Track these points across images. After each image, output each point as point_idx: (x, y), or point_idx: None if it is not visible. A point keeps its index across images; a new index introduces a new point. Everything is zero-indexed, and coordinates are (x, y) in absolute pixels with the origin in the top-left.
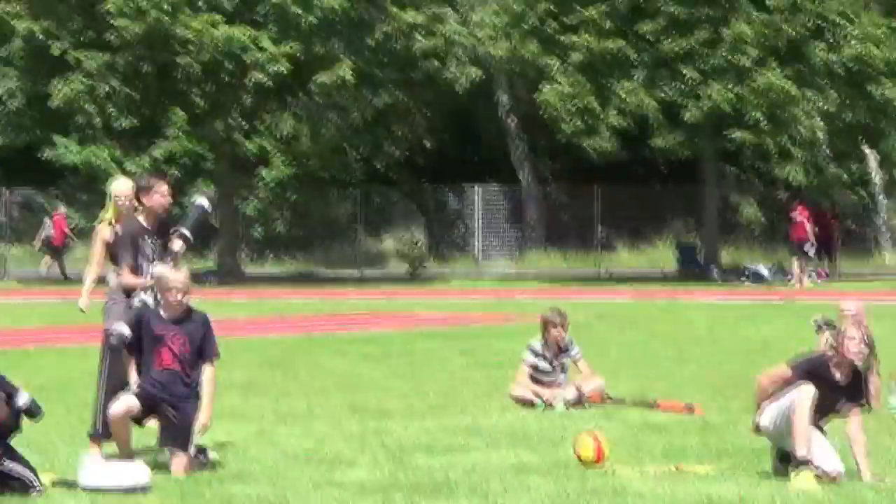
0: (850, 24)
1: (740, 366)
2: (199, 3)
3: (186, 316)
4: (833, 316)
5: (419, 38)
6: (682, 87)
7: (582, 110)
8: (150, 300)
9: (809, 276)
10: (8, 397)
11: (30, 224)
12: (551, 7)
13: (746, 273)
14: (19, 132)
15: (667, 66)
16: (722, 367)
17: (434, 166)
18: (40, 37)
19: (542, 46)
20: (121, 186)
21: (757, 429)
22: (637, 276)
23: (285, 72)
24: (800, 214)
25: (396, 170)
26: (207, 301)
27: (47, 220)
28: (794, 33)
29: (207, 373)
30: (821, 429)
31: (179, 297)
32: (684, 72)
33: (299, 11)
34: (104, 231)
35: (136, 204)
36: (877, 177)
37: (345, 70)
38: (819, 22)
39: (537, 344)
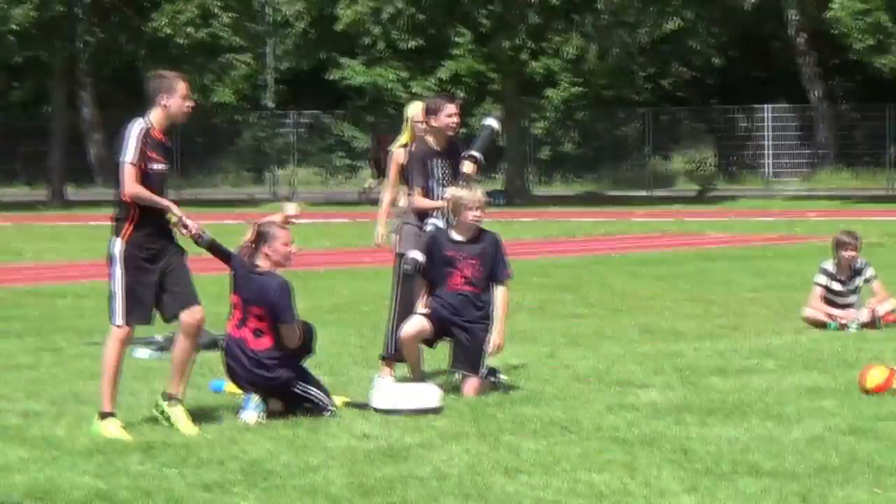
0: None
1: None
2: None
3: (478, 237)
4: None
5: None
6: None
7: (874, 26)
8: (441, 223)
9: None
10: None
11: (317, 146)
12: None
13: None
14: (306, 54)
15: None
16: None
17: (722, 85)
18: None
19: None
20: (418, 110)
21: None
22: None
23: None
24: None
25: (685, 89)
26: (496, 222)
27: (373, 141)
28: None
29: (500, 294)
30: None
31: (481, 215)
32: None
33: None
34: (399, 154)
35: (426, 126)
36: None
37: None
38: None
39: (830, 265)
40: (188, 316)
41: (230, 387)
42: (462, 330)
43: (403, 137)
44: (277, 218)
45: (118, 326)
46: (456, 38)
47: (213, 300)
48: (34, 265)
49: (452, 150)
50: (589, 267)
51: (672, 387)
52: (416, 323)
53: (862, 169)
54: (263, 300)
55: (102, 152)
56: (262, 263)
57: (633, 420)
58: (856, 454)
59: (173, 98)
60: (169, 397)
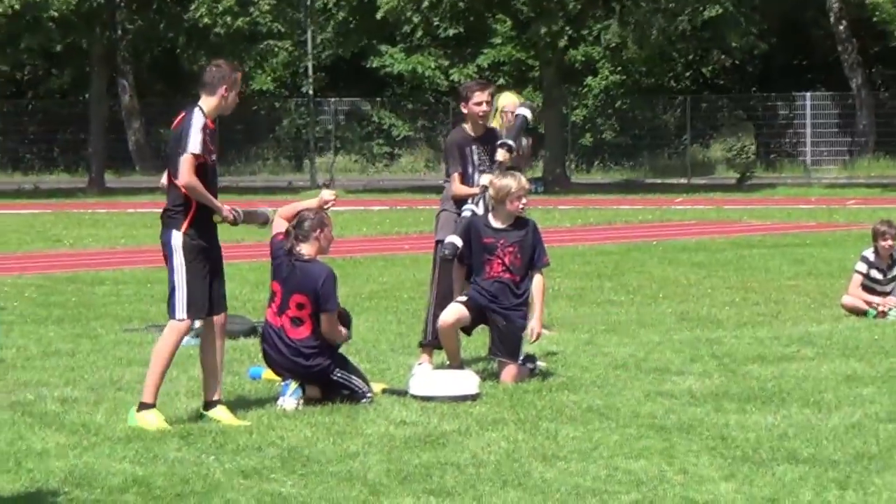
0: None
1: None
2: None
3: (517, 224)
4: None
5: None
6: None
7: None
8: (478, 209)
9: None
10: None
11: (356, 133)
12: None
13: None
14: (346, 42)
15: None
16: None
17: (763, 73)
18: None
19: None
20: (508, 100)
21: None
22: None
23: None
24: None
25: (724, 76)
26: (534, 209)
27: None
28: None
29: (537, 281)
30: None
31: (522, 203)
32: None
33: None
34: None
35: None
36: None
37: None
38: None
39: (870, 254)
40: (221, 318)
41: (268, 374)
42: (500, 317)
43: (492, 125)
44: (314, 203)
45: (180, 320)
46: (495, 26)
47: (251, 287)
48: (73, 252)
49: (489, 137)
50: (628, 254)
51: (710, 374)
52: (455, 310)
53: None
54: (308, 288)
55: (142, 140)
56: (307, 250)
57: (671, 407)
58: (895, 441)
59: (233, 90)
60: (209, 406)
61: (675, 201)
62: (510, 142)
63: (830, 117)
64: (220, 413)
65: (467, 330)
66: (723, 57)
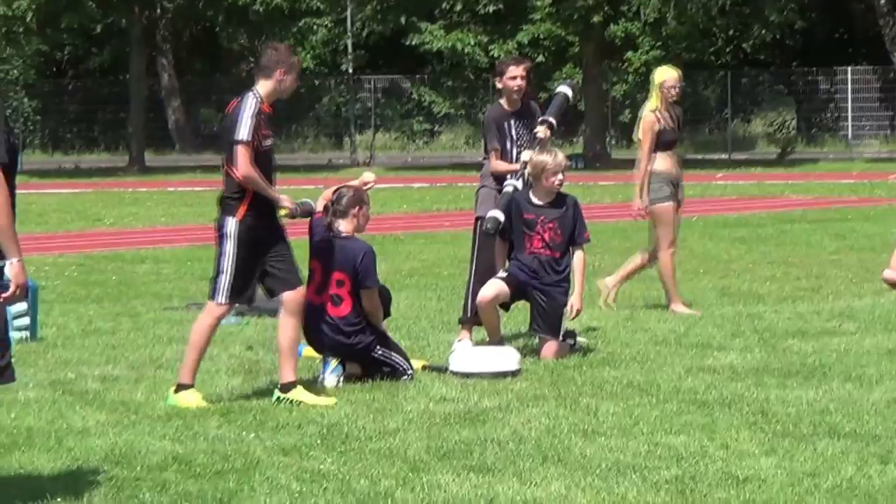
0: None
1: None
2: None
3: (557, 200)
4: None
5: None
6: None
7: None
8: (519, 184)
9: None
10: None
11: (395, 111)
12: None
13: None
14: (385, 19)
15: None
16: None
17: (803, 48)
18: None
19: None
20: (667, 75)
21: None
22: None
23: None
24: None
25: (765, 51)
26: (575, 185)
27: None
28: None
29: (578, 257)
30: None
31: (561, 179)
32: None
33: None
34: (648, 119)
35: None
36: None
37: None
38: None
39: None
40: (291, 295)
41: (308, 351)
42: (541, 293)
43: (652, 102)
44: (355, 183)
45: (219, 304)
46: (536, 2)
47: None
48: (114, 231)
49: (526, 112)
50: None
51: (751, 349)
52: (494, 286)
53: None
54: (348, 265)
55: (181, 119)
56: (345, 228)
57: (712, 382)
58: None
59: (291, 73)
60: (286, 388)
61: (715, 176)
62: (551, 118)
63: (872, 91)
64: (300, 395)
65: (506, 305)
66: (763, 32)
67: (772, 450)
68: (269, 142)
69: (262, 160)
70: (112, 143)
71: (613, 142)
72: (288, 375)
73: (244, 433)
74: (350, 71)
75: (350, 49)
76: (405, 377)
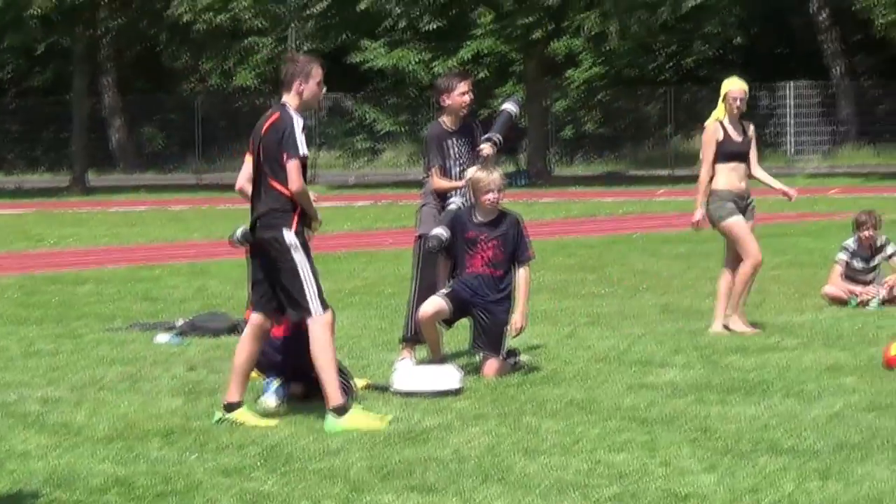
0: None
1: None
2: None
3: (499, 218)
4: None
5: None
6: None
7: (895, 2)
8: (462, 202)
9: None
10: None
11: (338, 129)
12: None
13: None
14: (327, 36)
15: None
16: None
17: (744, 63)
18: None
19: None
20: (731, 86)
21: None
22: None
23: None
24: None
25: (706, 67)
26: (517, 202)
27: None
28: None
29: (521, 275)
30: None
31: (498, 197)
32: None
33: None
34: (709, 127)
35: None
36: None
37: None
38: None
39: (852, 243)
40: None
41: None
42: (483, 311)
43: (717, 111)
44: None
45: (323, 314)
46: (478, 19)
47: (234, 284)
48: (56, 251)
49: (467, 130)
50: (610, 247)
51: (692, 366)
52: (434, 303)
53: (884, 145)
54: None
55: (124, 138)
56: None
57: (653, 399)
58: (876, 431)
59: (309, 83)
60: (230, 407)
61: (657, 193)
62: (496, 136)
63: (812, 106)
64: (244, 415)
65: (448, 323)
66: (704, 47)
67: (712, 466)
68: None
69: (304, 173)
70: (54, 162)
71: (555, 158)
72: (234, 395)
73: (186, 454)
74: None
75: None
76: (347, 397)
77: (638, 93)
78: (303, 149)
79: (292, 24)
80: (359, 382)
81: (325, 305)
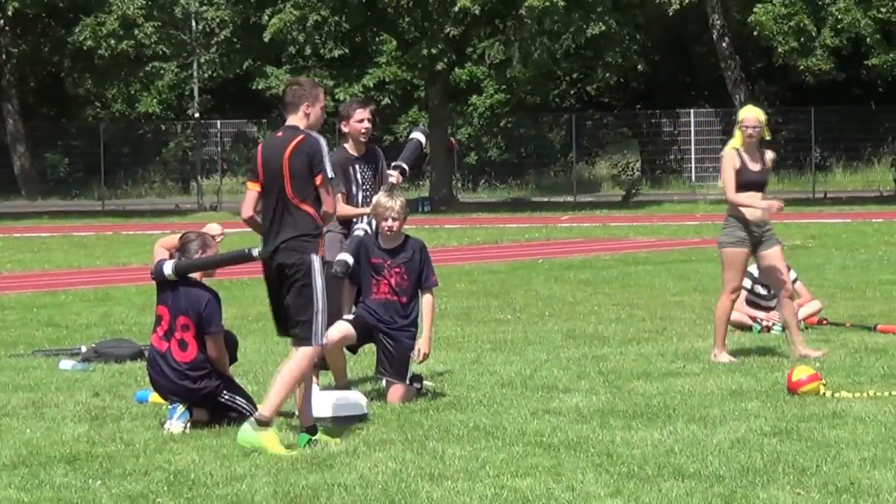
0: None
1: None
2: None
3: (403, 244)
4: None
5: None
6: None
7: (796, 30)
8: (369, 228)
9: None
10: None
11: (242, 155)
12: None
13: None
14: (230, 63)
15: None
16: None
17: (647, 90)
18: None
19: None
20: (745, 115)
21: None
22: (853, 197)
23: None
24: None
25: (609, 94)
26: (421, 229)
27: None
28: None
29: (426, 301)
30: None
31: (396, 225)
32: None
33: None
34: (726, 155)
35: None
36: None
37: None
38: None
39: (755, 269)
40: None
41: (155, 397)
42: (388, 337)
43: (734, 140)
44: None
45: (319, 345)
46: (381, 47)
47: (138, 310)
48: None
49: (372, 156)
50: (514, 273)
51: (596, 391)
52: (340, 328)
53: (786, 172)
54: (193, 311)
55: (27, 164)
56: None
57: (558, 425)
58: (779, 455)
59: (315, 107)
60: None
61: (561, 219)
62: (404, 164)
63: (714, 133)
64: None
65: (353, 348)
66: (607, 75)
67: (617, 491)
68: None
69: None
70: None
71: (459, 185)
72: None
73: (90, 481)
74: (197, 116)
75: (196, 94)
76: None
77: (541, 119)
78: (331, 171)
79: (196, 51)
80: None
81: (323, 337)
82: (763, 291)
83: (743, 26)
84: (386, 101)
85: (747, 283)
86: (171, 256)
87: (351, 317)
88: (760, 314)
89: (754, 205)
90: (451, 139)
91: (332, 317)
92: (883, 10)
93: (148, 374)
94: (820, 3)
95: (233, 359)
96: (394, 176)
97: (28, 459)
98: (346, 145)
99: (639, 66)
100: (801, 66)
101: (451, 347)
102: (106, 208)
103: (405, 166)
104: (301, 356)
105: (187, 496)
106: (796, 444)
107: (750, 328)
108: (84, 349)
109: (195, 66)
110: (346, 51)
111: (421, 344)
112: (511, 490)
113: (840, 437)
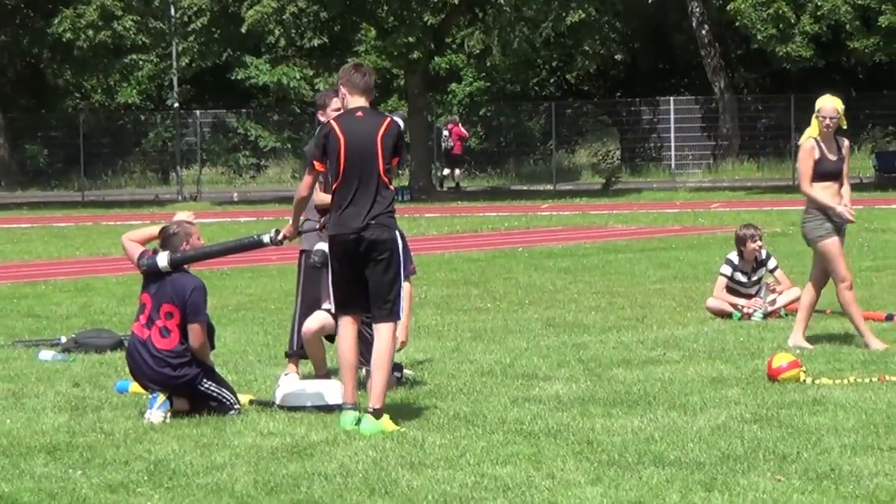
0: None
1: None
2: None
3: None
4: None
5: None
6: None
7: (775, 17)
8: None
9: None
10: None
11: (222, 145)
12: None
13: None
14: (209, 52)
15: None
16: None
17: (627, 78)
18: None
19: None
20: (822, 104)
21: None
22: None
23: None
24: None
25: (589, 83)
26: (401, 217)
27: (445, 132)
28: None
29: (404, 290)
30: None
31: None
32: None
33: None
34: (805, 145)
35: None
36: None
37: None
38: None
39: (735, 256)
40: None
41: (135, 387)
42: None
43: (811, 129)
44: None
45: (399, 321)
46: (360, 35)
47: (118, 301)
48: None
49: None
50: (494, 261)
51: (576, 379)
52: (319, 318)
53: (765, 160)
54: (179, 298)
55: (6, 155)
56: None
57: (538, 413)
58: (759, 442)
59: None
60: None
61: (541, 207)
62: None
63: (694, 121)
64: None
65: (332, 338)
66: (586, 63)
67: (597, 479)
68: None
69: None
70: None
71: (439, 174)
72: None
73: (71, 470)
74: (176, 106)
75: (176, 84)
76: (232, 412)
77: (521, 108)
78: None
79: (174, 41)
80: (243, 398)
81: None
82: (743, 279)
83: (722, 14)
84: None
85: (727, 270)
86: (154, 250)
87: (330, 307)
88: (741, 301)
89: (828, 205)
90: (460, 127)
91: (311, 307)
92: None
93: (127, 363)
94: None
95: (210, 346)
96: None
97: (8, 450)
98: None
99: (618, 55)
100: (781, 53)
101: (431, 336)
102: (86, 199)
103: None
104: (387, 335)
105: (167, 485)
106: (777, 430)
107: (730, 315)
108: (64, 340)
109: (174, 56)
110: (326, 40)
111: (399, 332)
112: (491, 478)
113: (820, 424)
